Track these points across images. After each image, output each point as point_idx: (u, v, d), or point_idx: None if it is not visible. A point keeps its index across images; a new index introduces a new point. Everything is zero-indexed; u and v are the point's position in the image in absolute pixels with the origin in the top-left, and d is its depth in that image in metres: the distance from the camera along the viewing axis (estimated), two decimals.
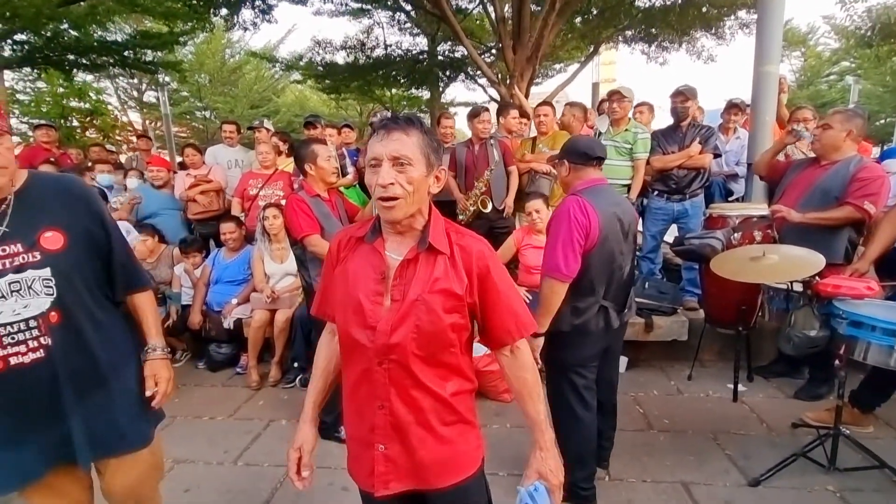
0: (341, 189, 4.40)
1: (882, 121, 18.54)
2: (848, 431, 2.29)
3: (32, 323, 1.20)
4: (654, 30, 10.19)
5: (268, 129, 4.99)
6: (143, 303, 1.46)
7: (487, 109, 4.16)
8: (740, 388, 3.05)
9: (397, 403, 1.08)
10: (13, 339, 1.18)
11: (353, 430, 1.18)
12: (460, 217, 3.85)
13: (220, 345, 3.74)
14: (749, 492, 2.20)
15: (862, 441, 2.28)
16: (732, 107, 4.25)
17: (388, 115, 1.08)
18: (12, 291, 1.17)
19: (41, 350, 1.21)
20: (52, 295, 1.22)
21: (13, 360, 1.18)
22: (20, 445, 1.25)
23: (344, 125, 5.32)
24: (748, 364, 3.26)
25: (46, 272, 1.21)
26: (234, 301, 3.68)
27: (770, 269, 2.12)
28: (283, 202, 3.40)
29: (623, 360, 3.43)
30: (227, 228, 3.85)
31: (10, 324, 1.17)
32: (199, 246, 4.02)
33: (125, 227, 3.40)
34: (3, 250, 1.18)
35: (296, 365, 3.48)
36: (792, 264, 2.13)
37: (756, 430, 2.71)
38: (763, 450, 2.48)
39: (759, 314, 2.90)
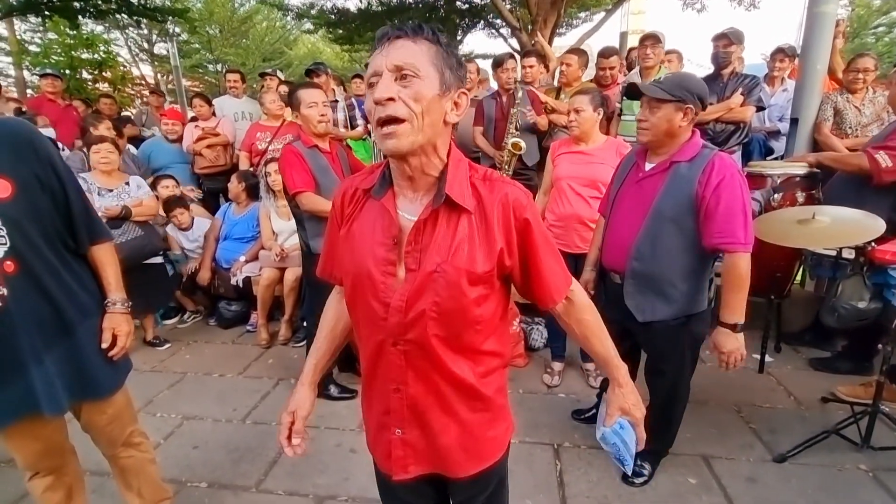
0: (349, 143, 4.22)
1: None
2: (887, 409, 2.14)
3: None
4: None
5: (280, 79, 4.75)
6: (104, 255, 1.41)
7: (513, 57, 3.82)
8: (767, 358, 2.89)
9: (416, 387, 0.93)
10: None
11: (370, 409, 1.05)
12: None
13: (230, 302, 3.71)
14: (774, 468, 2.09)
15: None
16: (779, 52, 3.84)
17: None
18: None
19: None
20: (5, 244, 1.17)
21: None
22: None
23: (355, 75, 5.06)
24: (777, 334, 3.09)
25: None
26: (243, 259, 3.60)
27: (821, 233, 1.89)
28: None
29: None
30: (231, 182, 3.77)
31: None
32: (184, 204, 3.81)
33: (137, 180, 3.28)
34: None
35: (305, 324, 3.42)
36: (846, 228, 1.89)
37: (783, 403, 2.57)
38: (791, 424, 2.35)
39: (795, 281, 2.71)
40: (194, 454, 2.27)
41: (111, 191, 3.08)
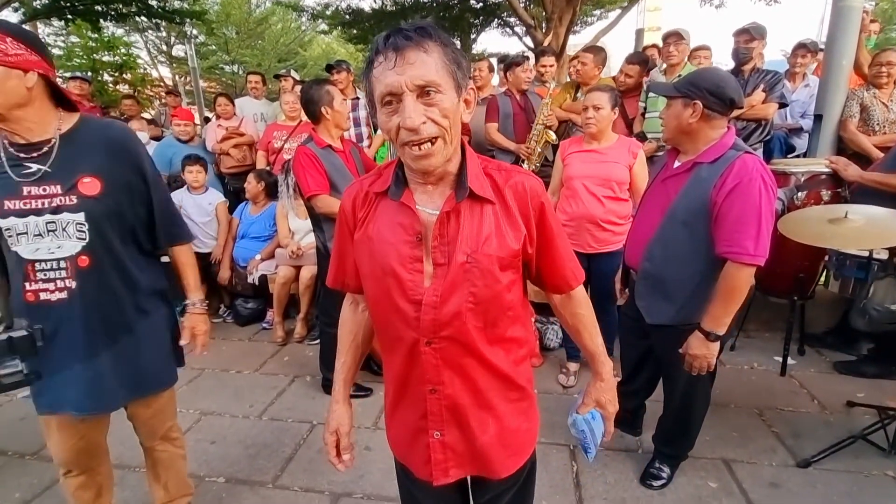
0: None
1: None
2: None
3: (63, 264, 1.23)
4: None
5: (294, 79, 4.80)
6: (183, 256, 1.49)
7: (527, 58, 3.82)
8: (789, 361, 2.83)
9: (452, 386, 0.92)
10: (45, 275, 1.23)
11: (402, 415, 1.02)
12: (526, 168, 3.53)
13: (247, 300, 3.75)
14: (797, 473, 2.03)
15: None
16: (800, 48, 3.74)
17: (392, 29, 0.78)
18: (49, 231, 1.21)
19: (65, 292, 1.24)
20: (84, 240, 1.24)
21: (42, 296, 1.24)
22: (55, 374, 1.27)
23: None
24: (801, 336, 3.02)
25: (81, 217, 1.23)
26: (258, 257, 3.64)
27: (856, 233, 1.79)
28: None
29: None
30: (249, 181, 3.78)
31: (45, 261, 1.23)
32: (201, 162, 3.82)
33: None
34: (44, 190, 1.21)
35: (318, 322, 3.44)
36: (883, 228, 1.79)
37: (807, 406, 2.51)
38: (814, 429, 2.29)
39: (819, 282, 2.65)
40: (212, 449, 2.30)
41: None
